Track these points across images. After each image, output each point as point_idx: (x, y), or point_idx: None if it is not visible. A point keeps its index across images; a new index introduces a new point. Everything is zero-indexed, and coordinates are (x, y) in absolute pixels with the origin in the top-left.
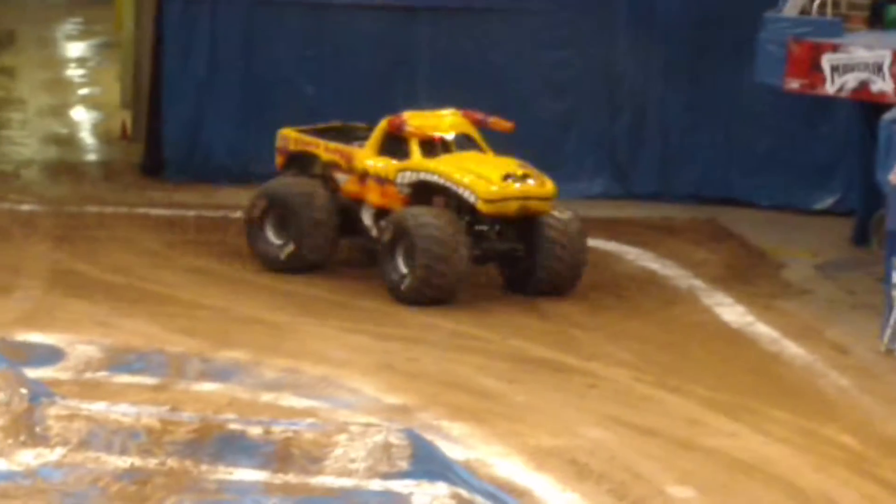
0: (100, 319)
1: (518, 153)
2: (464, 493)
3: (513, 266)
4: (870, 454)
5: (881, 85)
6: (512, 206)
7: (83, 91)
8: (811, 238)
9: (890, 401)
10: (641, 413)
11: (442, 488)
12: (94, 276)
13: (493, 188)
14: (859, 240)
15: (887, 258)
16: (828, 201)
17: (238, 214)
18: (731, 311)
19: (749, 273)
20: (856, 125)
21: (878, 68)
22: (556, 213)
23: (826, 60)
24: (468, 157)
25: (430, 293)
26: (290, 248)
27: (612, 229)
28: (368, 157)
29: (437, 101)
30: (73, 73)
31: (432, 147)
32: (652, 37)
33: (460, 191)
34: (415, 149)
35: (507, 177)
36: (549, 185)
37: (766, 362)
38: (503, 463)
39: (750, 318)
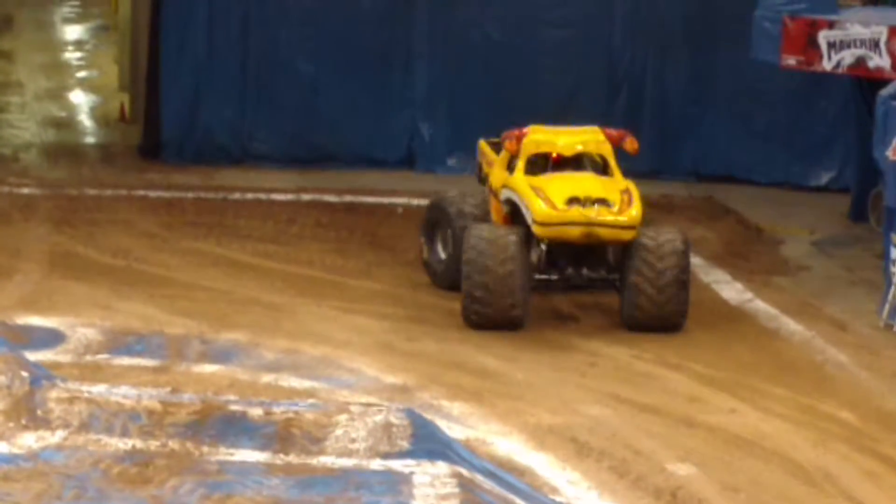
0: (100, 302)
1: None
2: (464, 472)
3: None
4: (869, 429)
5: (878, 61)
6: (573, 232)
7: (81, 74)
8: (809, 215)
9: (889, 376)
10: (641, 390)
11: (443, 467)
12: (94, 258)
13: (550, 211)
14: (857, 216)
15: (885, 234)
16: (825, 178)
17: (237, 196)
18: (730, 288)
19: (747, 250)
20: (853, 101)
21: (875, 44)
22: (651, 236)
23: (822, 37)
24: (567, 178)
25: (476, 319)
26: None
27: None
28: (496, 172)
29: (435, 79)
30: (71, 56)
31: (558, 165)
32: (651, 15)
33: (524, 211)
34: (521, 164)
35: (572, 200)
36: (626, 214)
37: (764, 339)
38: (503, 441)
39: (748, 295)
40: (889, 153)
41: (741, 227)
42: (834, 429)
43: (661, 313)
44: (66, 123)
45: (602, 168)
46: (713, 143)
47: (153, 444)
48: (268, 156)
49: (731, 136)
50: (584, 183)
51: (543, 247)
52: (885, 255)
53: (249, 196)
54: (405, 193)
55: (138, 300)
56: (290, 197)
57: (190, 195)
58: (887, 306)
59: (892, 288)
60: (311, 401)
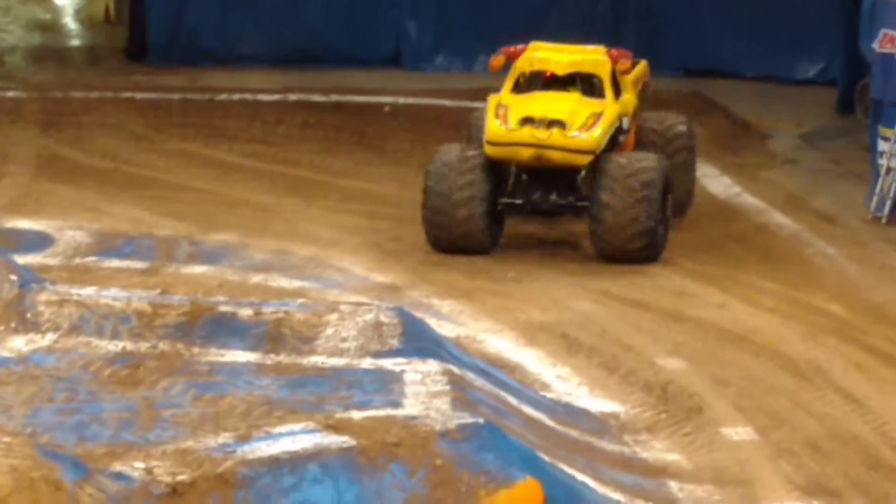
0: (88, 205)
1: (500, 28)
2: (455, 369)
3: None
4: (857, 322)
5: None
6: (523, 154)
7: None
8: (796, 108)
9: (877, 268)
10: (630, 287)
11: (433, 365)
12: (81, 161)
13: (500, 130)
14: (844, 109)
15: (872, 126)
16: (812, 71)
17: (224, 97)
18: (718, 183)
19: (734, 144)
20: None
21: None
22: (622, 163)
23: None
24: (537, 98)
25: (437, 244)
26: None
27: None
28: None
29: None
30: None
31: (549, 84)
32: None
33: (484, 130)
34: (509, 83)
35: (526, 120)
36: (580, 139)
37: (752, 233)
38: (493, 339)
39: (736, 189)
40: (876, 45)
41: (728, 122)
42: (823, 321)
43: (619, 240)
44: (51, 26)
45: (597, 89)
46: (700, 37)
47: (143, 346)
48: (254, 56)
49: (718, 31)
50: (551, 103)
51: (513, 169)
52: (872, 148)
53: (236, 97)
54: (392, 92)
55: (126, 202)
56: (276, 97)
57: (176, 97)
58: (875, 198)
59: (880, 180)
60: (300, 301)
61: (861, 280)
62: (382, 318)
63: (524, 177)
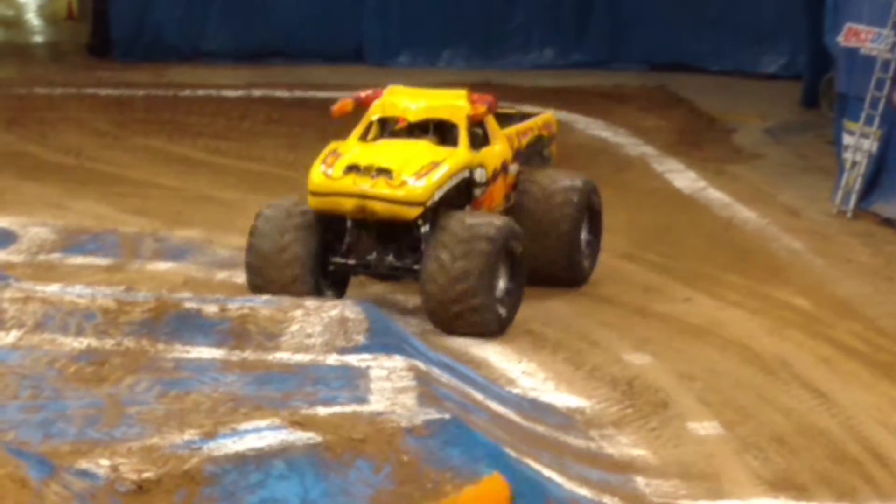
0: (52, 201)
1: (465, 23)
2: (420, 364)
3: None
4: (823, 316)
5: None
6: (346, 205)
7: None
8: (760, 102)
9: (842, 262)
10: (596, 282)
11: (399, 361)
12: (45, 157)
13: (322, 179)
14: (808, 102)
15: (836, 120)
16: (776, 65)
17: (188, 93)
18: (683, 177)
19: (700, 138)
20: None
21: None
22: (464, 217)
23: None
24: (373, 145)
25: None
26: None
27: (560, 98)
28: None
29: None
30: None
31: (403, 131)
32: None
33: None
34: (358, 129)
35: (351, 168)
36: (405, 188)
37: (718, 227)
38: None
39: (702, 184)
40: (840, 39)
41: (694, 116)
42: (789, 316)
43: (444, 308)
44: (14, 22)
45: (453, 138)
46: (664, 31)
47: (108, 343)
48: (218, 52)
49: (682, 25)
50: (387, 150)
51: (349, 225)
52: (837, 142)
53: (200, 93)
54: (356, 87)
55: (90, 199)
56: (240, 93)
57: (140, 93)
58: (840, 192)
59: (845, 174)
60: (265, 297)
61: (827, 274)
62: (348, 313)
63: (362, 234)
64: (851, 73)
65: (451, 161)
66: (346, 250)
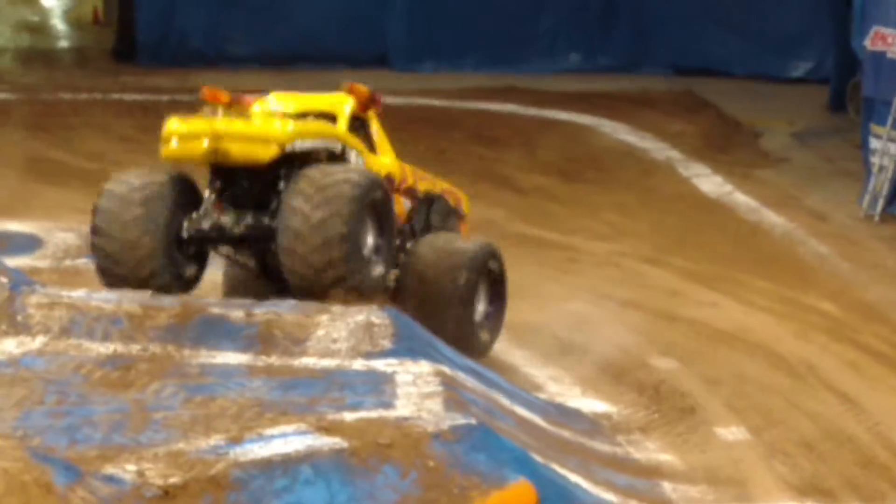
0: (77, 206)
1: (490, 28)
2: (447, 370)
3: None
4: (850, 320)
5: None
6: (197, 148)
7: None
8: (787, 106)
9: (869, 267)
10: (622, 286)
11: (425, 366)
12: (70, 163)
13: (175, 124)
14: (835, 107)
15: (864, 124)
16: (803, 69)
17: None
18: (710, 182)
19: (726, 143)
20: None
21: None
22: (322, 168)
23: None
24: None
25: (107, 280)
26: None
27: (587, 102)
28: None
29: None
30: None
31: None
32: None
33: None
34: None
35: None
36: (264, 127)
37: (745, 231)
38: None
39: (728, 188)
40: (867, 43)
41: (720, 121)
42: (815, 320)
43: (312, 268)
44: (40, 28)
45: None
46: (690, 35)
47: (134, 348)
48: (242, 57)
49: (708, 29)
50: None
51: (207, 192)
52: (864, 145)
53: None
54: (381, 92)
55: None
56: None
57: (165, 98)
58: (867, 196)
59: (872, 178)
60: (291, 302)
61: (854, 278)
62: (374, 318)
63: (219, 198)
64: (878, 77)
65: (321, 124)
66: (203, 214)
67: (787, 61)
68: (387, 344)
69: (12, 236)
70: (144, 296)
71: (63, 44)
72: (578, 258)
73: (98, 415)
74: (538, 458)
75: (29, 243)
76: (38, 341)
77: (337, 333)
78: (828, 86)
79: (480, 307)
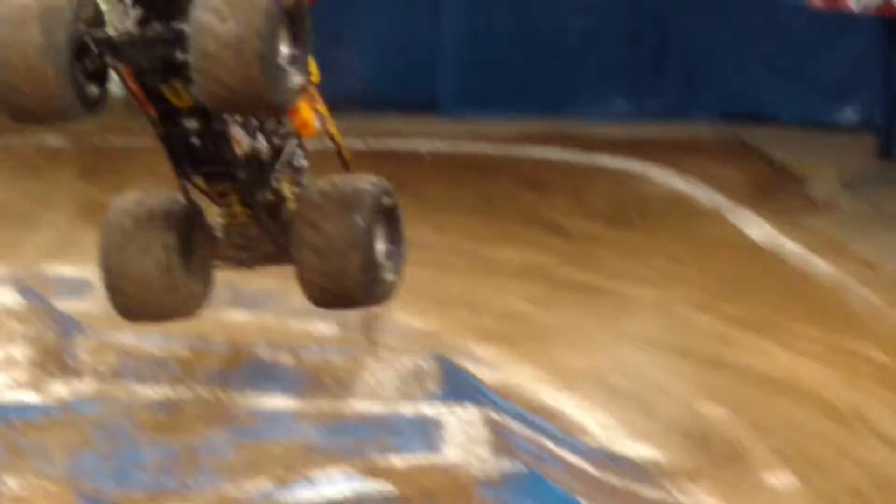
0: None
1: (538, 73)
2: (495, 415)
3: None
4: None
5: None
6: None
7: None
8: (836, 153)
9: None
10: (669, 332)
11: (473, 411)
12: None
13: None
14: (884, 154)
15: None
16: (852, 116)
17: None
18: (757, 228)
19: (774, 190)
20: (878, 39)
21: None
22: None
23: None
24: None
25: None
26: None
27: (634, 148)
28: None
29: (461, 22)
30: None
31: None
32: None
33: None
34: None
35: None
36: None
37: (793, 279)
38: (533, 385)
39: (776, 235)
40: None
41: (768, 167)
42: (866, 368)
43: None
44: None
45: None
46: (738, 81)
47: (184, 392)
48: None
49: (757, 75)
50: None
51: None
52: None
53: None
54: (429, 137)
55: None
56: (315, 145)
57: None
58: None
59: None
60: (340, 346)
61: None
62: (422, 363)
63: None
64: None
65: None
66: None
67: (836, 107)
68: (434, 388)
69: (62, 280)
70: (193, 339)
71: (115, 88)
72: (626, 304)
73: (147, 459)
74: None
75: (78, 287)
76: (89, 385)
77: (385, 378)
78: (876, 133)
79: (380, 247)
